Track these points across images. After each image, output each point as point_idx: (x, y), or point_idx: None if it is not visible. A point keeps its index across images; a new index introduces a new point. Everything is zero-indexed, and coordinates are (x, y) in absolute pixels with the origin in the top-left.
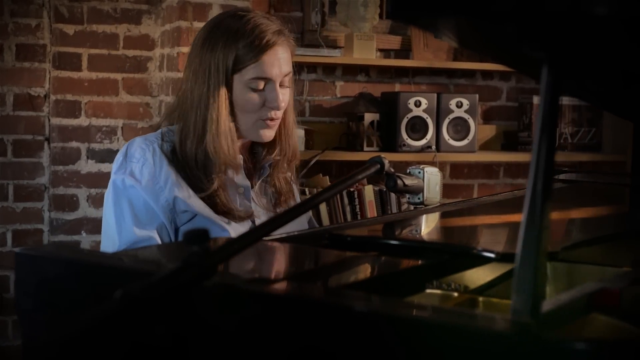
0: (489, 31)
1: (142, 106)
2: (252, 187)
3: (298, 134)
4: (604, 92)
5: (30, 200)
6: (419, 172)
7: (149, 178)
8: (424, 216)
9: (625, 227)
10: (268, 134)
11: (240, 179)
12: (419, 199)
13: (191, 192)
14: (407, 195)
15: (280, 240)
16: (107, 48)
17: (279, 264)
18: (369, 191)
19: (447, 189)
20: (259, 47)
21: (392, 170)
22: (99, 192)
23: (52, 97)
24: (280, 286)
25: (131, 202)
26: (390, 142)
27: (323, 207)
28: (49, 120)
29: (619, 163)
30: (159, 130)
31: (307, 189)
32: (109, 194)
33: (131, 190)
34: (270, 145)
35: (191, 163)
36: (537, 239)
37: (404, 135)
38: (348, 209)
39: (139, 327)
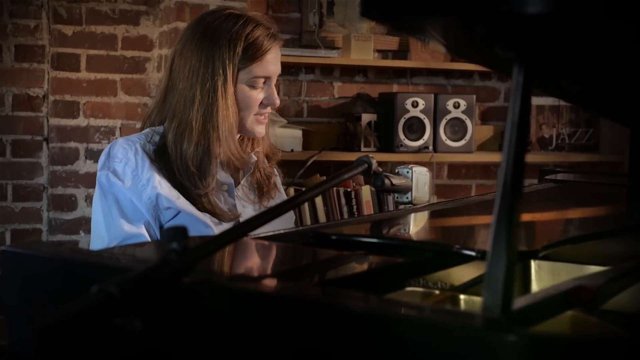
0: (460, 31)
1: (140, 107)
2: (237, 184)
3: (296, 135)
4: (593, 96)
5: (29, 200)
6: (408, 172)
7: (131, 177)
8: (411, 215)
9: (617, 225)
10: (261, 130)
11: (224, 176)
12: (407, 198)
13: (174, 190)
14: (396, 195)
15: (265, 238)
16: (106, 49)
17: (260, 261)
18: (365, 191)
19: (444, 190)
20: (261, 48)
21: (380, 169)
22: None
23: (51, 98)
24: (259, 283)
25: (117, 199)
26: (388, 143)
27: (320, 207)
28: (48, 120)
29: (616, 163)
30: (144, 131)
31: (304, 189)
32: (96, 191)
33: (115, 187)
34: (253, 141)
35: (185, 162)
36: (507, 237)
37: (401, 136)
38: (345, 209)
39: (115, 322)
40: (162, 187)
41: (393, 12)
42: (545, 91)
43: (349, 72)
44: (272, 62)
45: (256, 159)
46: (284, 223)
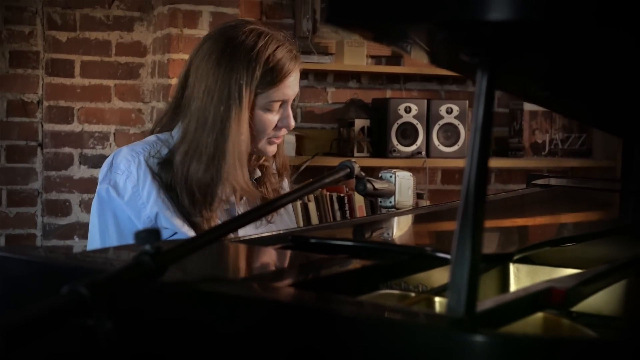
0: (425, 38)
1: (134, 112)
2: (239, 201)
3: (289, 140)
4: (568, 102)
5: (23, 206)
6: (391, 177)
7: (131, 193)
8: (393, 219)
9: (597, 229)
10: (273, 150)
11: (227, 194)
12: (390, 202)
13: (173, 209)
14: (379, 199)
15: (245, 241)
16: (100, 55)
17: (236, 264)
18: (358, 196)
19: (438, 195)
20: (282, 72)
21: (363, 174)
22: (91, 198)
23: (45, 104)
24: (230, 285)
25: (115, 215)
26: (381, 148)
27: (314, 212)
28: (42, 126)
29: (609, 169)
30: (148, 140)
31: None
32: (94, 203)
33: (115, 203)
34: (260, 156)
35: (190, 187)
36: (470, 240)
37: (394, 141)
38: (338, 214)
39: (85, 323)
40: (162, 206)
41: (357, 20)
42: (517, 96)
43: (343, 77)
44: (291, 85)
45: (260, 173)
46: (284, 227)
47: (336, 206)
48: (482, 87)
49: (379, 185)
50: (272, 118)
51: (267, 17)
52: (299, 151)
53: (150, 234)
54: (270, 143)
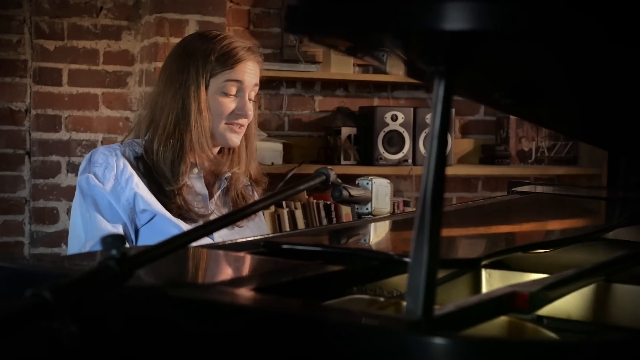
0: (382, 46)
1: (121, 120)
2: (211, 197)
3: (276, 148)
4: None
5: (11, 213)
6: (367, 183)
7: (110, 179)
8: (368, 225)
9: (569, 235)
10: (235, 139)
11: (199, 187)
12: (367, 209)
13: (151, 194)
14: (356, 206)
15: (217, 247)
16: (87, 63)
17: (206, 269)
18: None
19: None
20: (234, 57)
21: (339, 181)
22: None
23: (33, 112)
24: (197, 290)
25: (96, 201)
26: (367, 156)
27: (300, 220)
28: (30, 134)
29: (595, 176)
30: (126, 142)
31: (284, 202)
32: (75, 197)
33: (95, 190)
34: (232, 158)
35: (158, 161)
36: (428, 244)
37: (381, 149)
38: (325, 221)
39: (48, 327)
40: (140, 188)
41: (314, 30)
42: (480, 103)
43: (330, 86)
44: (245, 71)
45: (230, 174)
46: (257, 232)
47: (323, 213)
48: (439, 95)
49: (354, 192)
50: (228, 103)
51: (254, 26)
52: (286, 159)
53: (116, 239)
54: (231, 131)
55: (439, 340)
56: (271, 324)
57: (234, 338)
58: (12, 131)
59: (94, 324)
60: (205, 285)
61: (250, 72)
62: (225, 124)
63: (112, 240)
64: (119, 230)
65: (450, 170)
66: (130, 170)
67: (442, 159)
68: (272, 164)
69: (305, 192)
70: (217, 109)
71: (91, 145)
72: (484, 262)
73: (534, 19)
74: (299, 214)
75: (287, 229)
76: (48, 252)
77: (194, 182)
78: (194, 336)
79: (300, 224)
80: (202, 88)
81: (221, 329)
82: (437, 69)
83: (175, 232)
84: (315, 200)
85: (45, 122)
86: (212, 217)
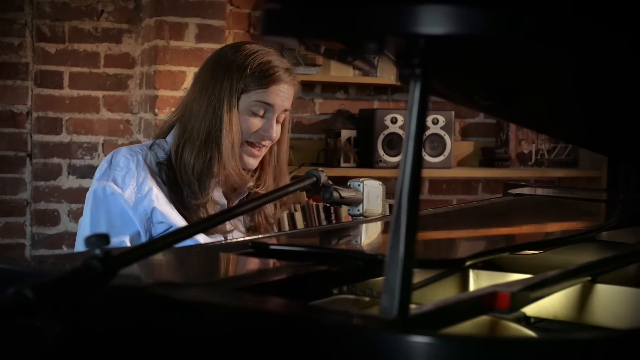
0: (361, 50)
1: (122, 123)
2: (231, 193)
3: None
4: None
5: (12, 215)
6: (359, 185)
7: (130, 187)
8: (359, 226)
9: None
10: (252, 162)
11: (218, 196)
12: (358, 210)
13: (170, 205)
14: (348, 208)
15: (204, 248)
16: (88, 66)
17: (191, 269)
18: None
19: (426, 204)
20: (269, 77)
21: (330, 183)
22: (79, 207)
23: (34, 114)
24: (180, 290)
25: (109, 211)
26: (367, 158)
27: (300, 222)
28: (31, 136)
29: (595, 179)
30: (146, 142)
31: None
32: (88, 201)
33: (111, 199)
34: (260, 176)
35: (185, 170)
36: (404, 244)
37: (381, 152)
38: (325, 223)
39: (31, 325)
40: (159, 201)
41: (290, 33)
42: (461, 105)
43: (330, 89)
44: (277, 94)
45: (252, 184)
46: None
47: (323, 215)
48: (415, 97)
49: (345, 193)
50: (255, 122)
51: (254, 29)
52: None
53: (100, 239)
54: (249, 153)
55: (412, 339)
56: (252, 323)
57: (216, 338)
58: (14, 134)
59: (77, 323)
60: (190, 284)
61: (283, 94)
62: (247, 142)
63: (95, 240)
64: (126, 241)
65: (450, 173)
66: (150, 181)
67: (418, 160)
68: None
69: (305, 195)
70: (242, 126)
71: (92, 148)
72: (470, 263)
73: (511, 22)
74: (298, 215)
75: (287, 230)
76: (49, 253)
77: (215, 190)
78: (176, 336)
79: (300, 225)
80: (234, 103)
81: (204, 328)
82: (412, 71)
83: (192, 243)
84: (314, 203)
85: (47, 124)
86: (232, 234)
